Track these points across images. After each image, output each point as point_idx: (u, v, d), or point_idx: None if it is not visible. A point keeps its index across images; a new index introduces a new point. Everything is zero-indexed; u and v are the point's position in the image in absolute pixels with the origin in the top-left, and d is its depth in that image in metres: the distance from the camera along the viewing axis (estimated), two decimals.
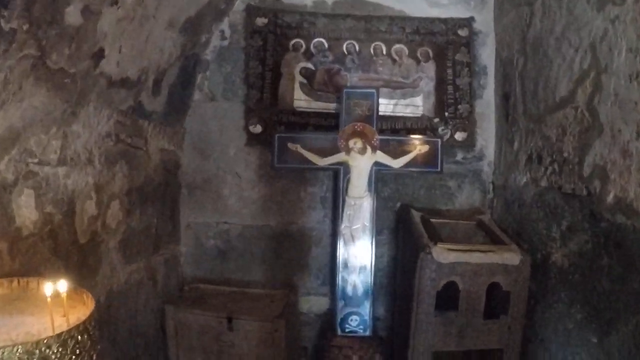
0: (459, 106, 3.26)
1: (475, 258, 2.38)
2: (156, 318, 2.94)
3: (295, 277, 3.35)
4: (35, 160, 1.81)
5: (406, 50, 3.30)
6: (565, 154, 2.19)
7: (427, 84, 3.28)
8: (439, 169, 2.99)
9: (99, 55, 2.02)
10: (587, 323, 1.97)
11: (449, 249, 2.39)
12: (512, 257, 2.38)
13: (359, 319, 2.98)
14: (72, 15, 1.73)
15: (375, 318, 3.10)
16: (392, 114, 3.26)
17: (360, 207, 2.92)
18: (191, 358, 2.91)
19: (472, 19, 3.29)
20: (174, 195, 3.26)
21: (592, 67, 1.94)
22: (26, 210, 1.78)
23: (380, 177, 3.08)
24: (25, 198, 1.78)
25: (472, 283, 2.38)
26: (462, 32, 3.29)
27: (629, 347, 1.68)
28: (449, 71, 3.27)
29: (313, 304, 3.39)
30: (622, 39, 1.71)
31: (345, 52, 3.31)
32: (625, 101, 1.70)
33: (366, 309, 2.98)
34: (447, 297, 2.43)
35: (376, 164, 2.94)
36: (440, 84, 3.27)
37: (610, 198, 1.80)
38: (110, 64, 2.11)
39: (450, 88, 3.27)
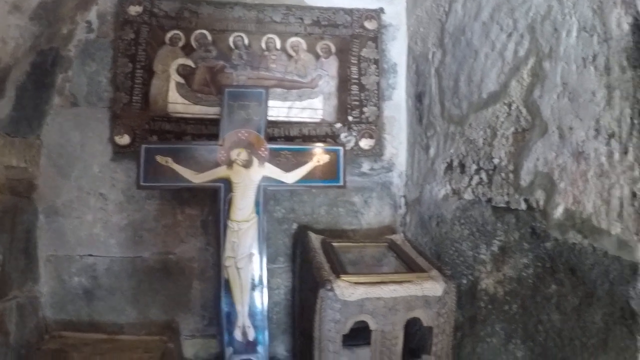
0: (365, 109, 2.90)
1: (389, 291, 2.02)
2: None
3: (177, 317, 2.85)
4: None
5: (304, 45, 2.91)
6: (496, 160, 1.94)
7: (328, 83, 2.90)
8: (341, 183, 2.56)
9: None
10: None
11: (356, 282, 2.03)
12: (433, 286, 2.05)
13: None
14: None
15: None
16: (285, 118, 2.86)
17: (246, 233, 2.42)
18: None
19: (381, 10, 3.03)
20: (29, 223, 2.72)
21: (531, 53, 1.72)
22: None
23: (271, 195, 2.66)
24: None
25: (386, 322, 2.04)
26: (370, 25, 2.97)
27: None
28: (354, 69, 2.91)
29: (199, 348, 2.88)
30: (572, 16, 1.50)
31: (232, 47, 2.88)
32: (578, 92, 1.48)
33: (260, 355, 2.46)
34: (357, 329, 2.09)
35: (265, 179, 2.48)
36: (344, 83, 2.90)
37: (558, 212, 1.56)
38: None
39: (354, 88, 2.90)
